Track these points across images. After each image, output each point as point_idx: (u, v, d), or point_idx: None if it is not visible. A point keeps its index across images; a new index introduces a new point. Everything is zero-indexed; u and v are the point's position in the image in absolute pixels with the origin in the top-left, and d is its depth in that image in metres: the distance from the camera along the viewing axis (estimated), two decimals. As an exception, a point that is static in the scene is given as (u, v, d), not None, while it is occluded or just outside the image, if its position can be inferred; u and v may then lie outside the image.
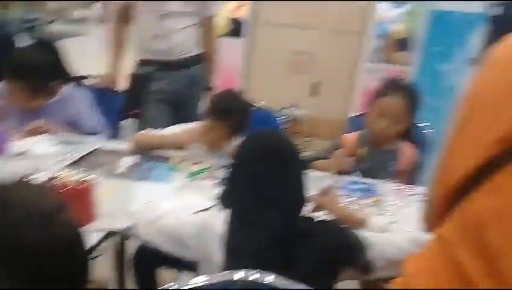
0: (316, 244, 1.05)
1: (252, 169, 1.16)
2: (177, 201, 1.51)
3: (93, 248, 1.28)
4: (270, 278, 0.87)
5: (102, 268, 2.15)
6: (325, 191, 1.45)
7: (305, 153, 2.35)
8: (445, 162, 0.75)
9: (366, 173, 1.89)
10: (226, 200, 1.20)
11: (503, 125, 0.63)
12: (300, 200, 1.19)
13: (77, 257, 0.82)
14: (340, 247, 1.06)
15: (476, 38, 3.25)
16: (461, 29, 3.27)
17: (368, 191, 1.75)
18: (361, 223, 1.28)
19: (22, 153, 1.74)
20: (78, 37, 4.90)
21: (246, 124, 1.88)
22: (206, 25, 2.43)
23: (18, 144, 1.80)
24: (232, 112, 1.83)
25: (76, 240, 0.82)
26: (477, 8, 3.22)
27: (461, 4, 3.23)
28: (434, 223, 0.78)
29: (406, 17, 3.88)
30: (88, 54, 3.36)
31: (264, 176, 1.13)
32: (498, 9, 3.22)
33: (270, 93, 4.24)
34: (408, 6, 3.86)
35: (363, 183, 1.81)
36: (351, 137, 1.99)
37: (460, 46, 3.30)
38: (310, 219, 1.17)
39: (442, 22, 3.31)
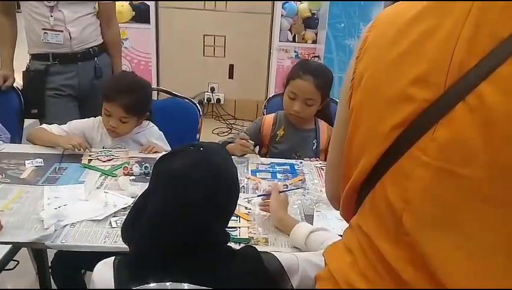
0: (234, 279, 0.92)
1: (167, 203, 0.91)
2: (90, 203, 1.42)
3: (2, 263, 1.17)
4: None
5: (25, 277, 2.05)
6: (275, 194, 1.38)
7: (228, 137, 2.33)
8: (346, 155, 0.74)
9: (286, 154, 1.90)
10: (128, 235, 0.98)
11: (395, 114, 0.62)
12: (224, 245, 0.99)
13: None
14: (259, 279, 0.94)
15: (377, 11, 3.38)
16: (362, 4, 3.40)
17: (290, 172, 1.76)
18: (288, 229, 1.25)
19: None
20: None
21: (144, 102, 1.85)
22: (105, 12, 2.28)
23: None
24: (126, 89, 1.76)
25: None
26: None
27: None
28: (347, 214, 0.78)
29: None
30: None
31: (185, 214, 0.90)
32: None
33: (187, 78, 4.16)
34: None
35: (284, 164, 1.82)
36: (268, 118, 1.99)
37: (364, 21, 3.42)
38: (226, 251, 0.99)
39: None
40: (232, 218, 1.37)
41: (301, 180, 1.69)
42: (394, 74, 0.63)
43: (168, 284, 0.85)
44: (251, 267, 0.96)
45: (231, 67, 4.32)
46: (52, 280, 1.73)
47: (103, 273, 0.94)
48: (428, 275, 0.60)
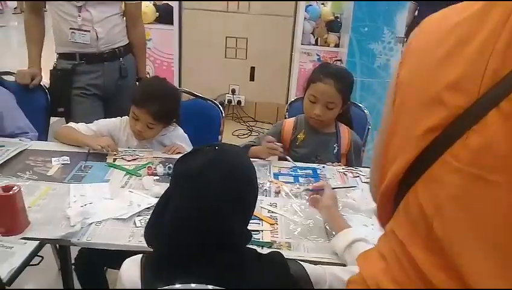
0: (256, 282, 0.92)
1: (185, 204, 0.92)
2: (115, 201, 1.44)
3: (28, 259, 1.19)
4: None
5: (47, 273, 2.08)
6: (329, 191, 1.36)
7: (248, 139, 2.33)
8: (383, 158, 0.74)
9: (307, 158, 1.89)
10: (150, 237, 0.99)
11: (429, 117, 0.63)
12: (242, 245, 0.99)
13: None
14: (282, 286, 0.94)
15: (402, 16, 3.35)
16: (387, 8, 3.36)
17: (312, 176, 1.75)
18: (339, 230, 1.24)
19: None
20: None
21: (173, 111, 1.86)
22: (131, 12, 2.31)
23: None
24: (156, 97, 1.77)
25: None
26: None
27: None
28: (382, 217, 0.78)
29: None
30: (8, 47, 3.11)
31: (204, 215, 0.91)
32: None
33: (208, 79, 4.17)
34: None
35: (307, 168, 1.81)
36: (288, 122, 1.99)
37: (388, 25, 3.39)
38: (253, 254, 1.00)
39: (368, 2, 3.37)
40: (255, 221, 1.38)
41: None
42: (431, 79, 0.64)
43: (193, 285, 0.86)
44: (275, 273, 0.96)
45: (252, 69, 4.32)
46: (74, 276, 1.75)
47: (131, 270, 0.96)
48: (461, 282, 0.60)
